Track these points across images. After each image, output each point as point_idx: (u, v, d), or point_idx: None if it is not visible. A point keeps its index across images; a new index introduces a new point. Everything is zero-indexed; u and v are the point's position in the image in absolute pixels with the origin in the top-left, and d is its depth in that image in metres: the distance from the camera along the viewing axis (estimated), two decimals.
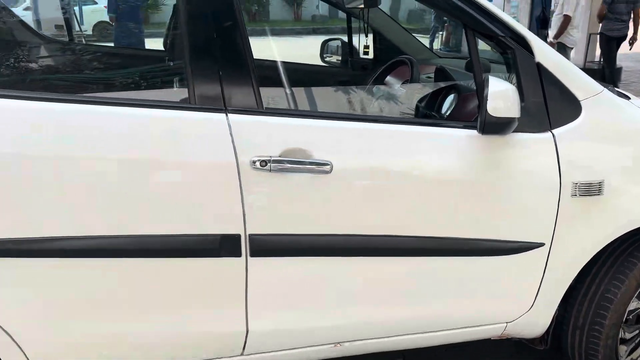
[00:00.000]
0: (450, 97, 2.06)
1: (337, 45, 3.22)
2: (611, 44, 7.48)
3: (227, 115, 1.55)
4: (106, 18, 8.62)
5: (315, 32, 19.04)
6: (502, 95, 1.59)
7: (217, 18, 1.56)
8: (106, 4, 9.92)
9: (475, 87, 1.74)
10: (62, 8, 3.02)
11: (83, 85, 1.97)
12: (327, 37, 3.35)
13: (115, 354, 1.64)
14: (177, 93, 1.76)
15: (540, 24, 10.30)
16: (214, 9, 1.56)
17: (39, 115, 1.45)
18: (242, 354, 1.75)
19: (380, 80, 2.48)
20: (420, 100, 2.17)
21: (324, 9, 22.12)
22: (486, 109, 1.59)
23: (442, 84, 2.16)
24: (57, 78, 2.11)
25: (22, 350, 1.53)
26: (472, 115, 1.90)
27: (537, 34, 2.12)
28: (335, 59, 3.26)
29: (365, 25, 2.49)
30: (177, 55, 1.95)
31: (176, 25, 2.30)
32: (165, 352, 1.69)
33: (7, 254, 1.46)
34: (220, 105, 1.56)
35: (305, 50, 4.24)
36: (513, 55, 1.75)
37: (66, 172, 1.45)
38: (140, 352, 1.66)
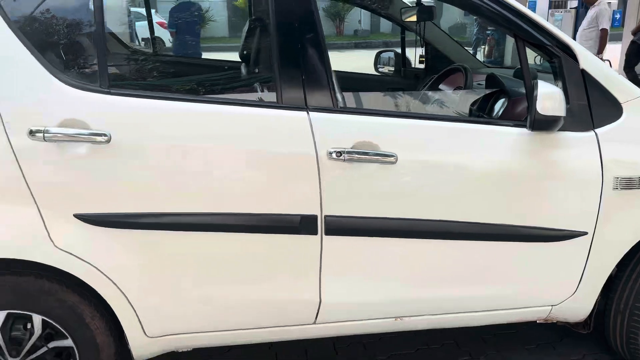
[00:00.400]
0: (501, 101, 2.28)
1: (390, 57, 3.48)
2: None
3: (308, 113, 1.82)
4: (161, 33, 9.28)
5: (357, 46, 19.32)
6: (550, 96, 1.80)
7: (301, 34, 1.83)
8: (160, 20, 10.59)
9: (524, 92, 1.96)
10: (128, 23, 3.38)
11: (195, 89, 2.27)
12: (380, 49, 3.61)
13: (211, 313, 1.91)
14: (265, 95, 2.04)
15: None
16: (299, 27, 1.82)
17: (182, 113, 1.76)
18: (314, 323, 1.99)
19: (436, 86, 2.71)
20: (473, 104, 2.39)
21: (365, 23, 22.41)
22: (536, 108, 1.80)
23: (493, 89, 2.37)
24: (175, 82, 2.44)
25: (118, 289, 1.80)
26: (521, 117, 2.11)
27: None
28: (387, 69, 3.51)
29: (421, 37, 2.72)
30: (263, 63, 2.23)
31: (253, 38, 2.60)
32: (253, 318, 1.95)
33: (147, 226, 1.76)
34: (303, 105, 1.82)
35: (353, 63, 4.52)
36: (559, 62, 1.96)
37: (194, 159, 1.75)
38: (230, 314, 1.92)
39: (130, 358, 1.94)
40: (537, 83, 1.83)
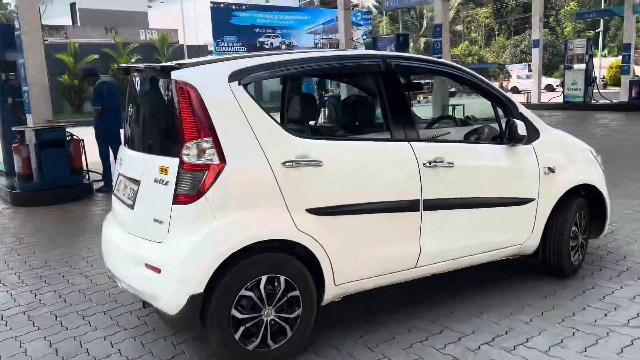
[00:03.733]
0: (484, 132, 3.96)
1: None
2: None
3: (409, 143, 3.30)
4: None
5: None
6: (522, 126, 3.54)
7: (398, 100, 3.33)
8: None
9: (493, 128, 3.70)
10: None
11: (353, 131, 3.58)
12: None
13: (370, 266, 3.20)
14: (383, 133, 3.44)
15: None
16: (398, 97, 3.33)
17: (352, 146, 3.12)
18: (415, 267, 3.39)
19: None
20: (466, 135, 4.02)
21: None
22: (518, 132, 3.52)
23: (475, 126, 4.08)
24: (342, 129, 3.72)
25: (322, 243, 2.98)
26: (488, 139, 3.82)
27: None
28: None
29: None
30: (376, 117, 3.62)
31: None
32: (389, 266, 3.28)
33: (325, 213, 3.01)
34: (405, 138, 3.30)
35: None
36: (510, 109, 3.73)
37: (368, 173, 3.10)
38: (378, 265, 3.23)
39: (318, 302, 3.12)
40: (514, 121, 3.56)
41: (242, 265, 2.81)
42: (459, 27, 58.71)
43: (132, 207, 3.10)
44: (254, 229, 2.86)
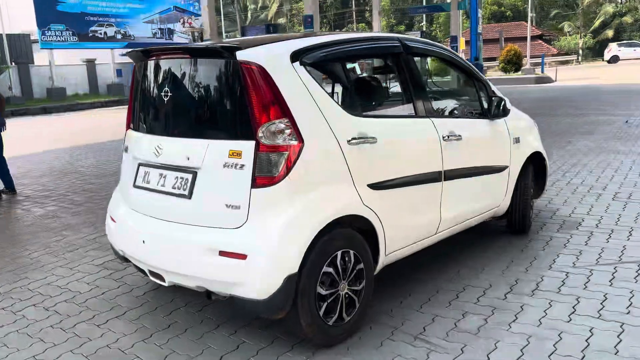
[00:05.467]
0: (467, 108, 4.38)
1: None
2: None
3: (431, 119, 3.58)
4: None
5: (13, 114, 18.45)
6: (508, 102, 4.03)
7: (414, 77, 3.58)
8: None
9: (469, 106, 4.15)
10: None
11: (393, 110, 3.66)
12: None
13: (409, 234, 3.43)
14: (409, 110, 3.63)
15: None
16: (413, 73, 3.58)
17: (386, 123, 3.27)
18: (435, 233, 3.70)
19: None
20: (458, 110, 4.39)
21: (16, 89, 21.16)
22: (506, 106, 3.99)
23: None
24: (386, 107, 3.76)
25: (379, 216, 3.15)
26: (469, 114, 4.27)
27: None
28: None
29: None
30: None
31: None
32: (421, 233, 3.54)
33: (380, 188, 3.17)
34: (426, 114, 3.57)
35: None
36: (486, 87, 4.21)
37: (408, 147, 3.30)
38: (416, 233, 3.49)
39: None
40: (502, 97, 4.03)
41: (323, 242, 2.85)
42: (282, 20, 60.29)
43: (187, 196, 2.93)
44: (334, 205, 2.92)
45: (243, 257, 2.73)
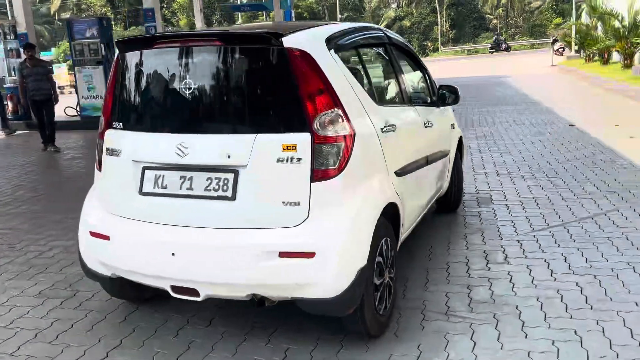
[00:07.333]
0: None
1: None
2: None
3: (415, 107, 3.74)
4: None
5: None
6: (459, 91, 4.36)
7: (400, 66, 3.71)
8: None
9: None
10: None
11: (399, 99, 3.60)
12: None
13: (415, 212, 3.56)
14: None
15: None
16: (399, 63, 3.70)
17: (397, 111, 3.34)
18: (420, 215, 3.89)
19: None
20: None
21: None
22: (458, 97, 4.31)
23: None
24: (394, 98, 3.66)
25: (401, 201, 3.20)
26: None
27: None
28: None
29: None
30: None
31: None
32: (416, 215, 3.68)
33: (401, 174, 3.25)
34: (411, 103, 3.72)
35: None
36: (431, 79, 4.51)
37: (405, 134, 3.39)
38: (418, 212, 3.64)
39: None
40: (455, 87, 4.34)
41: (376, 232, 2.82)
42: (68, 15, 55.44)
43: (230, 198, 2.65)
44: (383, 194, 2.92)
45: (310, 255, 2.58)
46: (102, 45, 12.70)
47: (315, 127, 2.60)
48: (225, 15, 59.48)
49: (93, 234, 3.02)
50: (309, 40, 2.75)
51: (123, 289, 3.34)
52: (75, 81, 13.48)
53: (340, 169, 2.65)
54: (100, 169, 3.10)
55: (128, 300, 3.54)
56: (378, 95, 3.35)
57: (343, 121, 2.68)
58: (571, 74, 21.44)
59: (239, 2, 38.84)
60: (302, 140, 2.60)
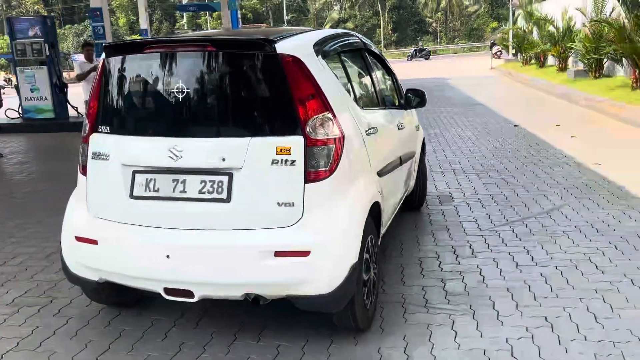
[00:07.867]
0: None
1: None
2: None
3: (389, 110, 3.90)
4: None
5: None
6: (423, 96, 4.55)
7: (374, 72, 3.85)
8: None
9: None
10: None
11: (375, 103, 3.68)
12: None
13: (391, 209, 3.72)
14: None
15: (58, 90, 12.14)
16: (380, 66, 3.85)
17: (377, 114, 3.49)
18: (393, 212, 4.05)
19: None
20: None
21: None
22: (424, 100, 4.50)
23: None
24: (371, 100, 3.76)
25: (382, 197, 3.35)
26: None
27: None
28: None
29: None
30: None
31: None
32: (391, 213, 3.84)
33: (381, 175, 3.39)
34: (385, 106, 3.88)
35: None
36: (398, 82, 4.69)
37: (384, 136, 3.54)
38: (393, 209, 3.81)
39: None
40: (422, 91, 4.52)
41: (364, 230, 2.95)
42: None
43: (225, 200, 2.71)
44: (369, 194, 3.05)
45: (305, 254, 2.68)
46: (47, 45, 12.27)
47: (307, 130, 2.70)
48: (166, 15, 58.37)
49: (79, 238, 3.00)
50: (299, 46, 2.85)
51: (106, 294, 3.33)
52: (17, 82, 12.95)
53: (331, 171, 2.76)
54: (84, 173, 3.08)
55: (110, 305, 3.52)
56: (360, 99, 3.48)
57: (333, 124, 2.80)
58: (510, 77, 22.42)
59: (184, 2, 38.32)
60: (296, 142, 2.69)
